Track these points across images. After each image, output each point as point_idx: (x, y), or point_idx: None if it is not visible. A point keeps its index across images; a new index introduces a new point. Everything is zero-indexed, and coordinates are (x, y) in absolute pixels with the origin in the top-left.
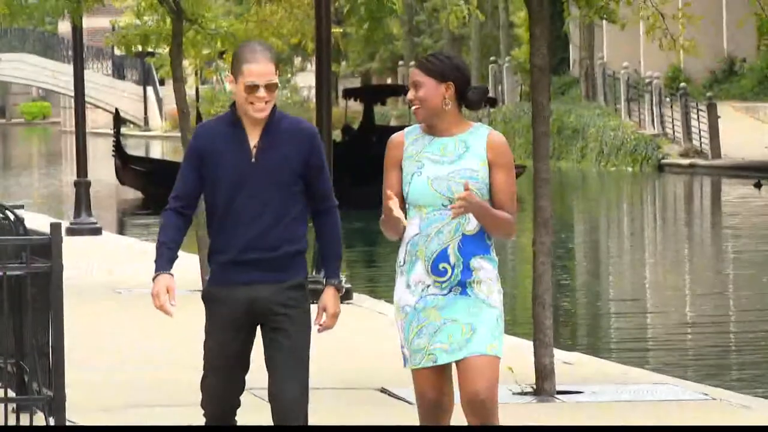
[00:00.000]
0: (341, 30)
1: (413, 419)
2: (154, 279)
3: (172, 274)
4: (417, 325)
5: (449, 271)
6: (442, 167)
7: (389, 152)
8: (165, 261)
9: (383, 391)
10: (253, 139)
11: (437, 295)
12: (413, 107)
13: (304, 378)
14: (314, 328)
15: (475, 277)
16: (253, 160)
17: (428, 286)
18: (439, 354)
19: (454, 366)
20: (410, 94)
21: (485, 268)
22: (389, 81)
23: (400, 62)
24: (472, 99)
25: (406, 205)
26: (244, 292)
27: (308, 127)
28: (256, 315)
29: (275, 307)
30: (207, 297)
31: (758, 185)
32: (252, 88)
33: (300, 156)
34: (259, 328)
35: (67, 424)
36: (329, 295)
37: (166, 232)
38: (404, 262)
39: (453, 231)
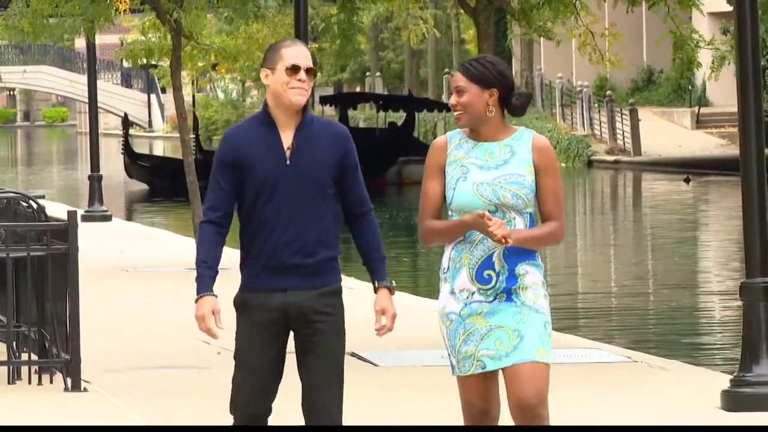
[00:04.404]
0: (317, 45)
1: (380, 379)
2: (196, 301)
3: (215, 295)
4: (464, 332)
5: (494, 278)
6: (487, 172)
7: (432, 156)
8: (206, 282)
9: (353, 354)
10: (287, 140)
11: (482, 302)
12: (456, 112)
13: (340, 388)
14: (372, 332)
15: (520, 283)
16: (287, 162)
17: (473, 293)
18: (486, 361)
19: (500, 372)
20: (453, 99)
21: (531, 273)
22: (358, 89)
23: (368, 73)
24: (516, 105)
25: (449, 211)
26: (279, 298)
27: (341, 129)
28: (290, 321)
29: (310, 314)
30: (240, 303)
31: (687, 180)
32: (293, 71)
33: (334, 157)
34: (292, 335)
35: (82, 384)
36: (384, 297)
37: (204, 249)
38: (448, 269)
39: None
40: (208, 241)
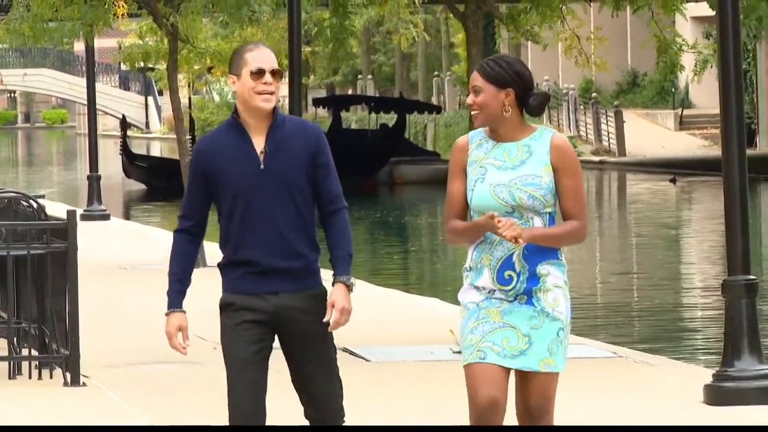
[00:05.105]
0: (310, 48)
1: (371, 374)
2: (166, 315)
3: (183, 311)
4: (474, 321)
5: (514, 279)
6: (504, 173)
7: (454, 156)
8: (175, 297)
9: (345, 350)
10: (259, 144)
11: (503, 300)
12: (472, 112)
13: (339, 386)
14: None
15: (541, 284)
16: (261, 167)
17: (494, 291)
18: (488, 352)
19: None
20: (470, 99)
21: (552, 274)
22: (350, 91)
23: (359, 76)
24: (533, 105)
25: (470, 212)
26: (270, 300)
27: (313, 127)
28: (278, 324)
29: (299, 316)
30: (227, 303)
31: (673, 181)
32: (258, 75)
33: (308, 156)
34: (280, 345)
35: (81, 378)
36: (339, 291)
37: (177, 261)
38: (470, 269)
39: None
40: (181, 253)
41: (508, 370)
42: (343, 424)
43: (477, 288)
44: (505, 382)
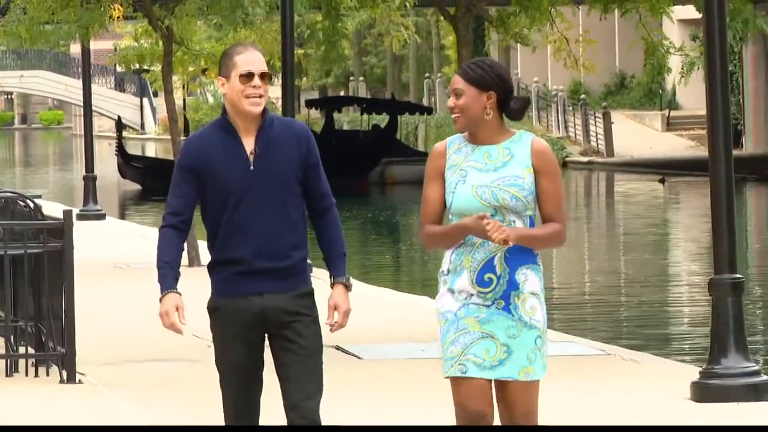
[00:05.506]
0: (303, 51)
1: (364, 371)
2: (161, 299)
3: (179, 293)
4: (455, 332)
5: (494, 281)
6: (486, 175)
7: (431, 162)
8: (170, 280)
9: (338, 348)
10: (248, 145)
11: (480, 306)
12: (453, 115)
13: (321, 387)
14: (326, 327)
15: (521, 290)
16: (251, 168)
17: (471, 295)
18: (469, 366)
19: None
20: (451, 102)
21: (530, 279)
22: (342, 93)
23: (351, 78)
24: (514, 109)
25: (450, 215)
26: (254, 301)
27: (302, 127)
28: (266, 324)
29: (286, 316)
30: (214, 308)
31: (662, 181)
32: (247, 78)
33: (297, 156)
34: (267, 340)
35: (77, 376)
36: (340, 293)
37: (166, 251)
38: (448, 272)
39: None
40: (170, 244)
41: (491, 380)
42: (321, 425)
43: (453, 292)
44: (490, 393)
